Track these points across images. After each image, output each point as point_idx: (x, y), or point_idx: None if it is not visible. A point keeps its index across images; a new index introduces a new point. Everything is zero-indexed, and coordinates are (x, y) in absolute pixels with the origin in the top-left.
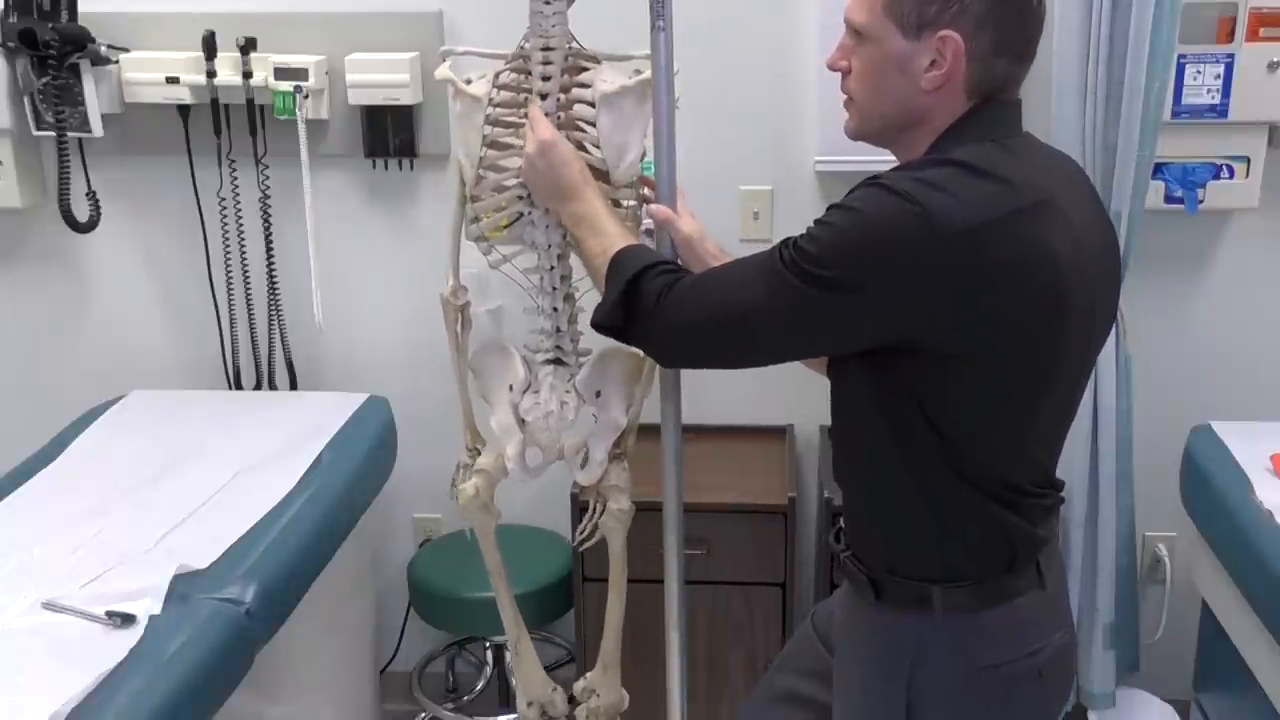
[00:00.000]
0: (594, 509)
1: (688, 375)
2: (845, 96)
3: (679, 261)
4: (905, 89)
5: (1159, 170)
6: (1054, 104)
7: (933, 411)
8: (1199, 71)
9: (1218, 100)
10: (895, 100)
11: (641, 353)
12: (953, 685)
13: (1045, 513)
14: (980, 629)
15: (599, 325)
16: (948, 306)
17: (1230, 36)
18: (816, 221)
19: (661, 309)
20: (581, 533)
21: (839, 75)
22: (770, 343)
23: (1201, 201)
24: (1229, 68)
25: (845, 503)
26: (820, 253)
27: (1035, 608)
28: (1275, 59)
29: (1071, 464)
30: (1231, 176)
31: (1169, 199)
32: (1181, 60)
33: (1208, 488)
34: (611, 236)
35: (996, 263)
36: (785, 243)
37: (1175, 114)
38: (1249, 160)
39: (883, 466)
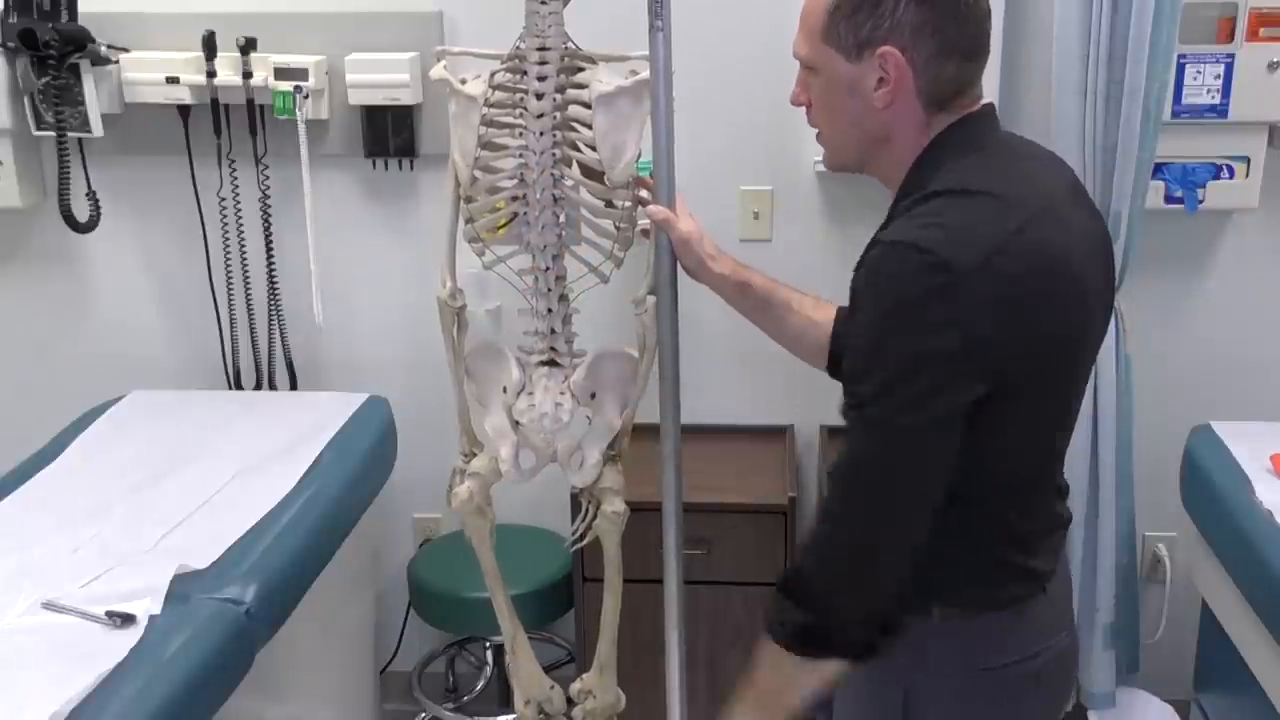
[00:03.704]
0: (586, 511)
1: (687, 375)
2: (816, 131)
3: (677, 263)
4: (860, 111)
5: (1159, 170)
6: (1054, 104)
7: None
8: (1199, 71)
9: (1218, 100)
10: (854, 124)
11: (636, 354)
12: (951, 687)
13: (1051, 547)
14: (980, 632)
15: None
16: (995, 342)
17: (1230, 36)
18: (846, 351)
19: (832, 579)
20: (574, 534)
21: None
22: (924, 482)
23: (1201, 201)
24: (1229, 68)
25: None
26: (872, 370)
27: (1036, 611)
28: (1275, 59)
29: (1072, 463)
30: (1231, 176)
31: (1169, 199)
32: (1181, 60)
33: (1208, 488)
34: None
35: (1019, 279)
36: (850, 407)
37: (1175, 114)
38: (1249, 160)
39: None
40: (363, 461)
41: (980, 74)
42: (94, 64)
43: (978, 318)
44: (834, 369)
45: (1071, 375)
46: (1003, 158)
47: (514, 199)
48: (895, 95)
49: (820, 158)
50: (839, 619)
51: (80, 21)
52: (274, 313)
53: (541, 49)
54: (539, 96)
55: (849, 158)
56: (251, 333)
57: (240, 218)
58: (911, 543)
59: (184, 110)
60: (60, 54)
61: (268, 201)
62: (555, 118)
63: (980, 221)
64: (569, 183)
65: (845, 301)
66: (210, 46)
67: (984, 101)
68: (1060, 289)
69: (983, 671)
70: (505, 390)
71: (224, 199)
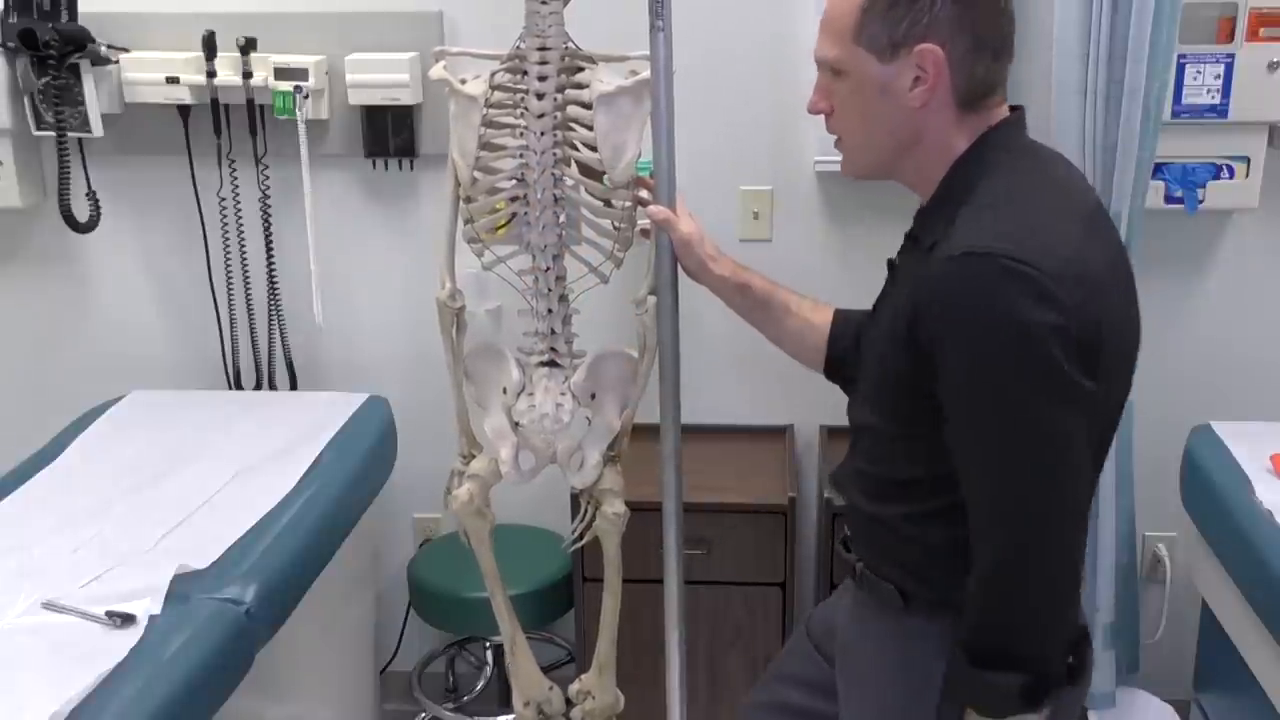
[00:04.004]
0: (585, 512)
1: (687, 375)
2: (835, 138)
3: (678, 264)
4: (894, 112)
5: (1159, 170)
6: (1054, 104)
7: None
8: (1199, 71)
9: (1218, 100)
10: (887, 127)
11: (636, 354)
12: None
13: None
14: None
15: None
16: (1091, 346)
17: (1230, 36)
18: (941, 382)
19: (1037, 622)
20: (573, 534)
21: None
22: (1083, 479)
23: (1201, 201)
24: (1229, 68)
25: (868, 519)
26: (989, 391)
27: None
28: (1275, 59)
29: None
30: (1231, 176)
31: (1169, 199)
32: (1181, 60)
33: (1208, 488)
34: None
35: (1095, 283)
36: (980, 437)
37: (1175, 114)
38: (1249, 160)
39: (949, 515)
40: (363, 461)
41: (1007, 76)
42: (94, 64)
43: (1072, 320)
44: (831, 372)
45: (1130, 375)
46: (1041, 162)
47: (514, 199)
48: (932, 94)
49: (821, 158)
50: (1053, 656)
51: (80, 21)
52: (274, 313)
53: (542, 49)
54: (539, 96)
55: (875, 163)
56: (251, 333)
57: (240, 218)
58: (1084, 547)
59: (184, 110)
60: (60, 54)
61: (268, 201)
62: (555, 118)
63: (1050, 227)
64: (569, 183)
65: (844, 304)
66: (210, 46)
67: (1010, 104)
68: (1119, 290)
69: None
70: (505, 391)
71: (224, 199)
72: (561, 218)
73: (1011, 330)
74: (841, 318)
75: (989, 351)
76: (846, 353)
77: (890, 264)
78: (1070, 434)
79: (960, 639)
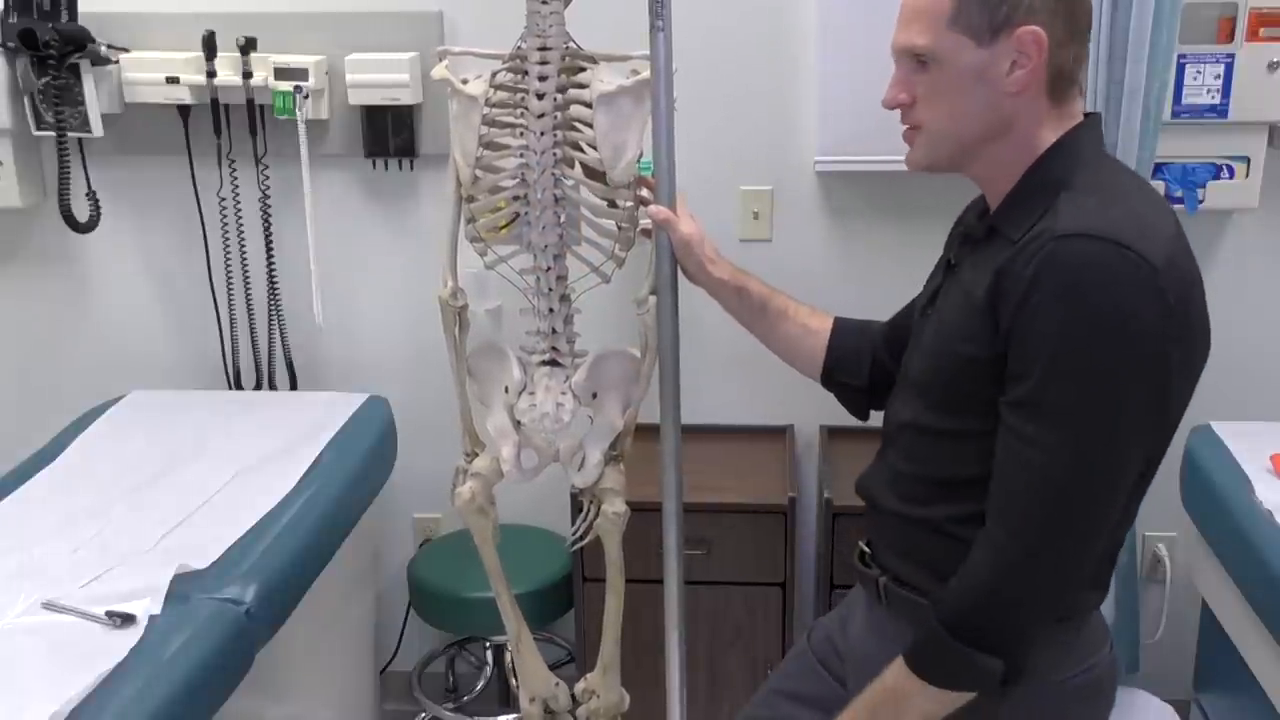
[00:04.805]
0: (587, 512)
1: (687, 375)
2: (906, 128)
3: (679, 265)
4: (989, 99)
5: (1159, 170)
6: None
7: None
8: (1199, 71)
9: (1218, 100)
10: (980, 114)
11: (639, 354)
12: (1026, 704)
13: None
14: (1049, 643)
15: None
16: (1183, 344)
17: (1230, 36)
18: (1014, 355)
19: (1035, 610)
20: (575, 534)
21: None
22: (1125, 488)
23: (1201, 201)
24: (1229, 68)
25: (905, 523)
26: (1074, 374)
27: (1095, 622)
28: (1275, 59)
29: None
30: (1231, 176)
31: (1169, 199)
32: (1181, 60)
33: (1208, 488)
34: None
35: (1189, 282)
36: (1043, 416)
37: (1175, 114)
38: (1249, 160)
39: None
40: (363, 461)
41: (1086, 58)
42: (94, 64)
43: (1175, 316)
44: (827, 379)
45: (1194, 387)
46: (1124, 165)
47: (515, 199)
48: (1031, 79)
49: (821, 158)
50: (1031, 647)
51: (80, 21)
52: (274, 313)
53: (543, 49)
54: (540, 96)
55: (953, 152)
56: (251, 333)
57: (240, 218)
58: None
59: (184, 110)
60: (60, 54)
61: (268, 201)
62: (556, 117)
63: (1154, 223)
64: (570, 182)
65: (843, 303)
66: (210, 46)
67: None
68: (1202, 298)
69: (1053, 685)
70: (507, 390)
71: (224, 199)
72: (562, 217)
73: (1117, 315)
74: (842, 325)
75: (1088, 331)
76: (844, 361)
77: (948, 263)
78: (1132, 427)
79: (940, 613)
